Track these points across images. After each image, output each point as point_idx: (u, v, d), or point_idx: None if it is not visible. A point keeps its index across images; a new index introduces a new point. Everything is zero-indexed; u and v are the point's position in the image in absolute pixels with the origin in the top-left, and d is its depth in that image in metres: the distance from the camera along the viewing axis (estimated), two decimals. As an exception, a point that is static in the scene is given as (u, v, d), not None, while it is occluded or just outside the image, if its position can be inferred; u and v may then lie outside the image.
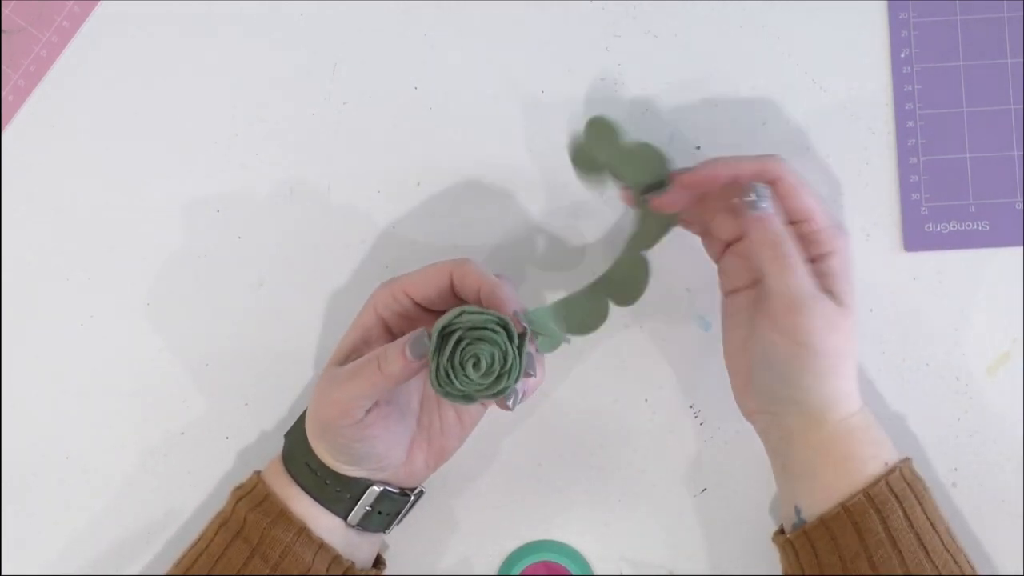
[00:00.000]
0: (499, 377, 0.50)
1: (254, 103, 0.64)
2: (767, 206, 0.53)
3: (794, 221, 0.54)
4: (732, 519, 0.60)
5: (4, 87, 0.64)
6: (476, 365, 0.50)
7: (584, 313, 0.57)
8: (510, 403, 0.51)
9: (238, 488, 0.57)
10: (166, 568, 0.56)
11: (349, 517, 0.56)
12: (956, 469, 0.60)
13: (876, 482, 0.52)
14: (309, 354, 0.63)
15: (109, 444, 0.62)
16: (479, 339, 0.50)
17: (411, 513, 0.59)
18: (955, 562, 0.52)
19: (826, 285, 0.53)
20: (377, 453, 0.54)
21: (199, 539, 0.56)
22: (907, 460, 0.55)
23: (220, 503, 0.58)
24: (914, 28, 0.62)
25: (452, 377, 0.50)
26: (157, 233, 0.63)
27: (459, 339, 0.50)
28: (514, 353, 0.50)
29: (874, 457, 0.53)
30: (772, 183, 0.54)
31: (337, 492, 0.55)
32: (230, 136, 0.64)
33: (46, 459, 0.63)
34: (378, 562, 0.59)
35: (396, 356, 0.51)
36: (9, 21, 0.64)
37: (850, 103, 0.62)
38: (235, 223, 0.63)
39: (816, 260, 0.54)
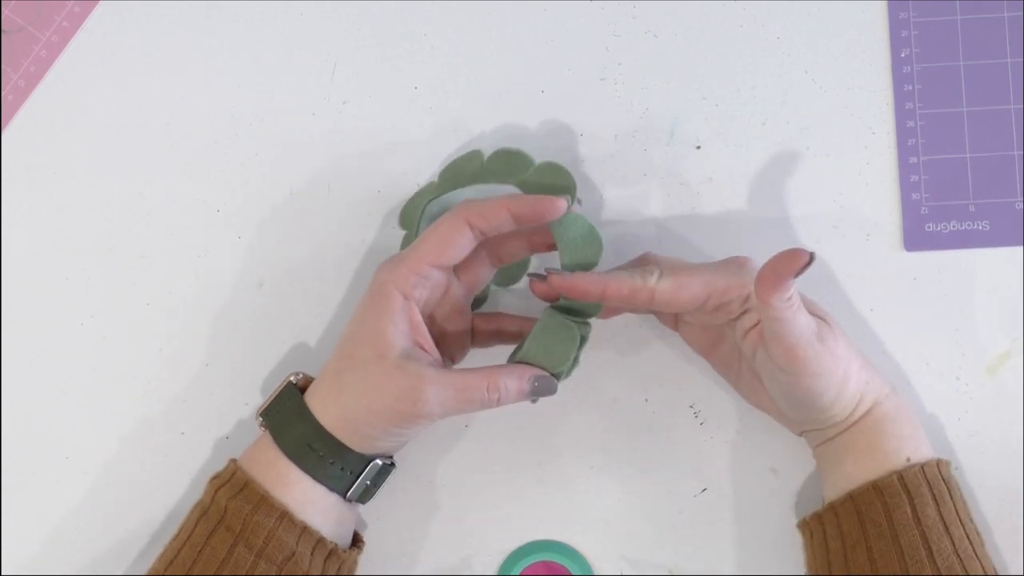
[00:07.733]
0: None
1: (254, 103, 0.64)
2: None
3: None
4: (732, 519, 0.60)
5: (4, 87, 0.64)
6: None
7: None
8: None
9: (215, 477, 0.56)
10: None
11: (349, 493, 0.56)
12: (956, 469, 0.60)
13: (889, 474, 0.53)
14: (309, 354, 0.63)
15: (109, 444, 0.62)
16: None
17: (411, 513, 0.59)
18: (963, 567, 0.51)
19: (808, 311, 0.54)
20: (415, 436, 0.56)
21: (179, 531, 0.55)
22: (938, 461, 0.54)
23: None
24: (914, 28, 0.62)
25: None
26: (157, 233, 0.63)
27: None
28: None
29: (897, 451, 0.54)
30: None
31: (340, 471, 0.55)
32: (230, 136, 0.64)
33: (46, 459, 0.63)
34: (356, 539, 0.59)
35: (516, 393, 0.54)
36: (9, 21, 0.64)
37: (850, 103, 0.62)
38: (235, 223, 0.63)
39: None
